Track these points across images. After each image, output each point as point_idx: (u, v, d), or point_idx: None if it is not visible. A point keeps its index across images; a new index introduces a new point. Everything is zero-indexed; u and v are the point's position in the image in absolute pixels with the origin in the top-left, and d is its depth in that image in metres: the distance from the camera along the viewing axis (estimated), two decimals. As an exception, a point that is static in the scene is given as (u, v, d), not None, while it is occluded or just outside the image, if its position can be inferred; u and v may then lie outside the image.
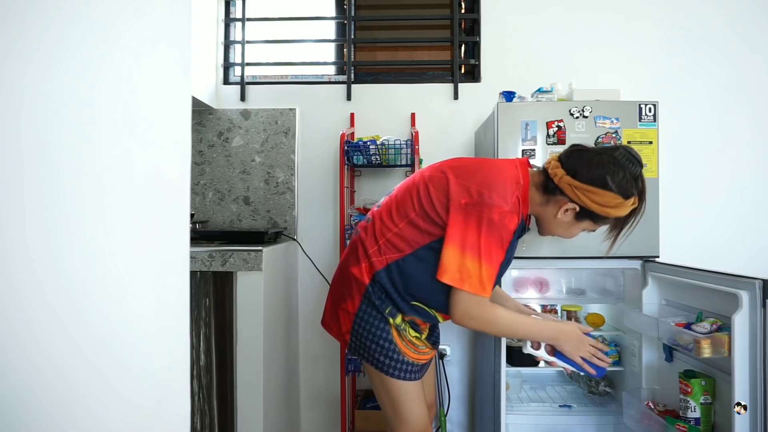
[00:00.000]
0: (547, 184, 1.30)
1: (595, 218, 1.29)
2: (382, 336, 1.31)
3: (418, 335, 1.38)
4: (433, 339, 1.47)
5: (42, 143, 0.49)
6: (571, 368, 1.39)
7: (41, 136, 0.49)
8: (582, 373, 1.41)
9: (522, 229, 1.33)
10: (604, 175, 1.22)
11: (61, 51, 0.52)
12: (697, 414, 1.40)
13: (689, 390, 1.41)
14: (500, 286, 1.60)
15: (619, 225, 1.31)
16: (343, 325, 1.37)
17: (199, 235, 2.00)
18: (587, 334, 1.36)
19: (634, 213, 1.28)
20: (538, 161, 1.75)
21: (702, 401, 1.40)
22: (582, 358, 1.34)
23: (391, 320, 1.32)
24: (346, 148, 2.09)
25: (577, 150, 1.29)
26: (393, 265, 1.30)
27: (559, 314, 2.00)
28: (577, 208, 1.27)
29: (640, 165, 1.25)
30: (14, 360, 0.47)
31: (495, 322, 1.25)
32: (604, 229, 1.35)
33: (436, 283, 1.24)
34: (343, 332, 1.37)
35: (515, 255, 1.75)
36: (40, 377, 0.50)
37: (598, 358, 1.35)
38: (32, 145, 0.48)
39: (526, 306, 1.74)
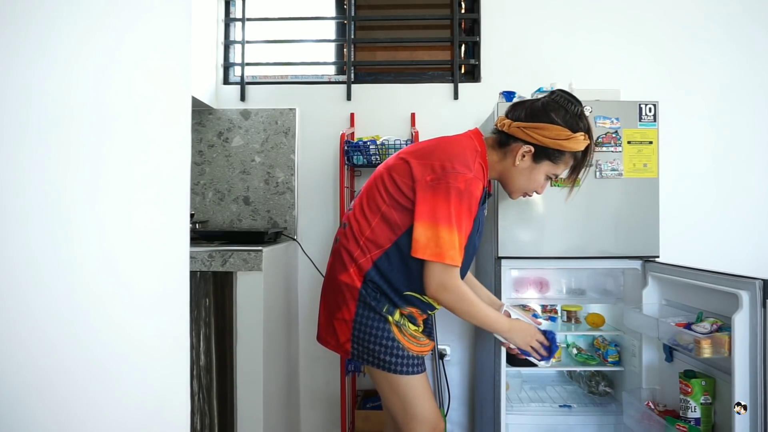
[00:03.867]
0: (500, 139, 1.37)
1: (552, 156, 1.32)
2: (384, 336, 1.32)
3: (416, 328, 1.41)
4: (428, 331, 1.51)
5: (40, 143, 0.49)
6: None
7: (39, 136, 0.49)
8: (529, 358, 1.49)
9: (485, 196, 1.37)
10: (548, 112, 1.30)
11: (59, 50, 0.52)
12: (697, 414, 1.40)
13: (689, 390, 1.41)
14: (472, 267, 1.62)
15: (577, 166, 1.36)
16: (341, 336, 1.36)
17: (199, 235, 2.00)
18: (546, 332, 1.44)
19: (588, 149, 1.34)
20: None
21: (702, 401, 1.40)
22: (531, 347, 1.43)
23: (390, 318, 1.33)
24: (346, 148, 2.09)
25: (518, 102, 1.39)
26: (378, 261, 1.32)
27: (559, 314, 2.00)
28: (532, 149, 1.31)
29: (580, 104, 1.32)
30: (15, 359, 0.47)
31: (465, 299, 1.29)
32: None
33: (421, 268, 1.28)
34: (342, 342, 1.36)
35: (512, 255, 1.75)
36: (40, 376, 0.50)
37: (539, 351, 1.44)
38: (30, 145, 0.48)
39: (524, 306, 1.74)
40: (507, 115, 1.37)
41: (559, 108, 1.31)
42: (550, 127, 1.29)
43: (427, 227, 1.22)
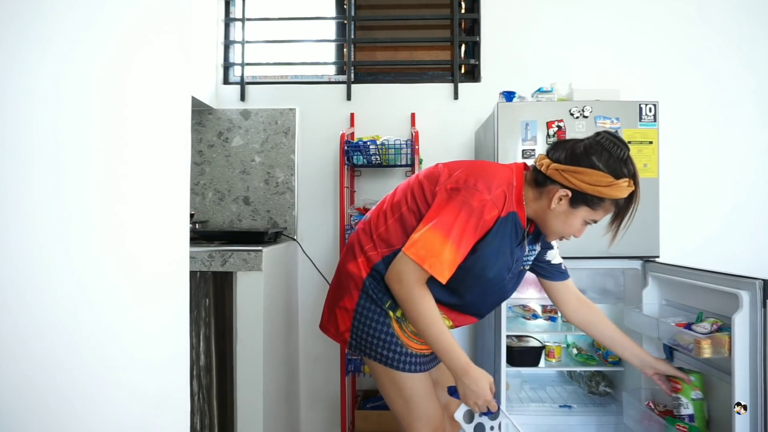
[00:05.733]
0: (537, 178, 1.29)
1: (591, 202, 1.23)
2: (383, 330, 1.31)
3: None
4: None
5: (40, 143, 0.49)
6: None
7: (39, 136, 0.49)
8: None
9: (523, 235, 1.31)
10: (590, 155, 1.21)
11: (60, 51, 0.52)
12: (690, 410, 1.41)
13: (679, 387, 1.41)
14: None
15: (619, 213, 1.26)
16: (341, 324, 1.36)
17: (199, 235, 2.00)
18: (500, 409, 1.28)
19: (633, 197, 1.23)
20: (538, 161, 1.75)
21: (693, 397, 1.41)
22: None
23: (391, 313, 1.31)
24: (346, 148, 2.09)
25: (560, 141, 1.30)
26: (387, 258, 1.31)
27: (559, 314, 2.00)
28: (570, 194, 1.23)
29: (627, 147, 1.23)
30: (14, 359, 0.47)
31: (416, 304, 1.20)
32: (605, 223, 1.30)
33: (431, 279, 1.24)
34: (342, 331, 1.36)
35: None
36: (40, 376, 0.50)
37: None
38: (30, 145, 0.48)
39: (524, 306, 1.73)
40: (547, 154, 1.28)
41: (603, 151, 1.21)
42: (590, 172, 1.20)
43: (427, 230, 1.20)
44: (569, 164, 1.22)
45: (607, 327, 1.49)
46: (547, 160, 1.26)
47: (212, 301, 1.66)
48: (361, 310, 1.32)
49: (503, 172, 1.30)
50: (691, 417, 1.41)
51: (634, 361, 1.48)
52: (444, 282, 1.21)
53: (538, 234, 1.37)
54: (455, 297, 1.31)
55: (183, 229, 0.78)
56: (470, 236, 1.21)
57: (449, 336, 1.22)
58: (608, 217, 1.28)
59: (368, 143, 2.09)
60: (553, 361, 1.95)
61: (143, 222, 0.67)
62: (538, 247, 1.41)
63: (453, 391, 1.25)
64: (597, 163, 1.20)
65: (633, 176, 1.21)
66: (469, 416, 1.27)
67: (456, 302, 1.32)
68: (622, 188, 1.20)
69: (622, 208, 1.25)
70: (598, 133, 1.25)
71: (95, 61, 0.57)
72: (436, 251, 1.18)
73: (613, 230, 1.28)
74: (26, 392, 0.48)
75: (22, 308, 0.48)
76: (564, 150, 1.25)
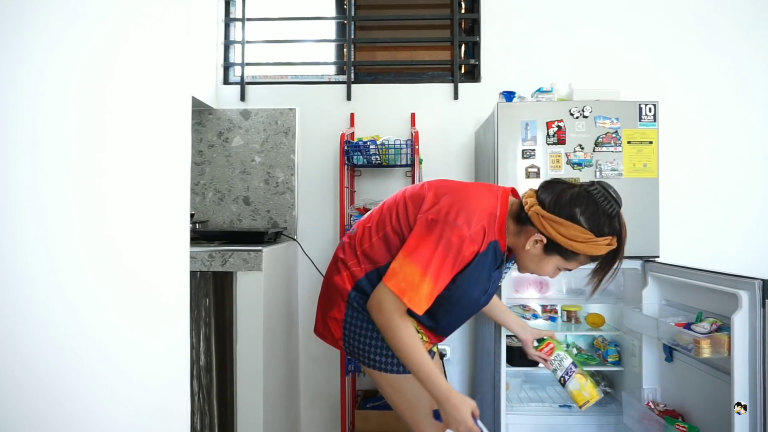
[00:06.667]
0: (519, 214, 1.25)
1: (564, 253, 1.21)
2: (372, 336, 1.33)
3: None
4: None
5: (40, 143, 0.50)
6: None
7: (39, 136, 0.49)
8: None
9: (502, 260, 1.29)
10: (574, 207, 1.17)
11: (60, 50, 0.52)
12: (569, 359, 1.49)
13: (552, 346, 1.51)
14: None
15: (600, 267, 1.22)
16: (335, 333, 1.39)
17: (199, 235, 2.00)
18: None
19: (616, 256, 1.20)
20: (538, 161, 1.75)
21: (565, 348, 1.51)
22: None
23: None
24: (346, 148, 2.09)
25: (552, 181, 1.25)
26: (370, 274, 1.32)
27: (559, 314, 2.00)
28: (545, 240, 1.20)
29: (618, 204, 1.18)
30: (10, 362, 0.47)
31: (397, 332, 1.20)
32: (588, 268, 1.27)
33: None
34: (336, 339, 1.39)
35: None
36: (36, 378, 0.50)
37: None
38: (30, 145, 0.48)
39: (524, 306, 1.73)
40: (537, 193, 1.24)
41: (590, 204, 1.16)
42: (569, 225, 1.15)
43: (406, 262, 1.19)
44: (550, 212, 1.18)
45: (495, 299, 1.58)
46: (532, 200, 1.23)
47: (212, 301, 1.66)
48: (349, 320, 1.35)
49: (486, 202, 1.26)
50: (574, 364, 1.48)
51: (514, 327, 1.56)
52: (420, 314, 1.21)
53: None
54: (432, 320, 1.33)
55: (183, 229, 0.78)
56: (448, 271, 1.20)
57: (430, 364, 1.21)
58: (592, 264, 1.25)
59: (368, 143, 2.09)
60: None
61: (144, 222, 0.67)
62: (513, 264, 1.42)
63: (437, 415, 1.25)
64: (578, 218, 1.16)
65: (618, 234, 1.17)
66: None
67: (432, 324, 1.35)
68: (599, 246, 1.16)
69: (604, 264, 1.21)
70: (592, 183, 1.21)
71: (96, 61, 0.57)
72: (415, 285, 1.17)
73: (594, 284, 1.24)
74: (19, 395, 0.48)
75: (15, 308, 0.48)
76: (552, 193, 1.20)
